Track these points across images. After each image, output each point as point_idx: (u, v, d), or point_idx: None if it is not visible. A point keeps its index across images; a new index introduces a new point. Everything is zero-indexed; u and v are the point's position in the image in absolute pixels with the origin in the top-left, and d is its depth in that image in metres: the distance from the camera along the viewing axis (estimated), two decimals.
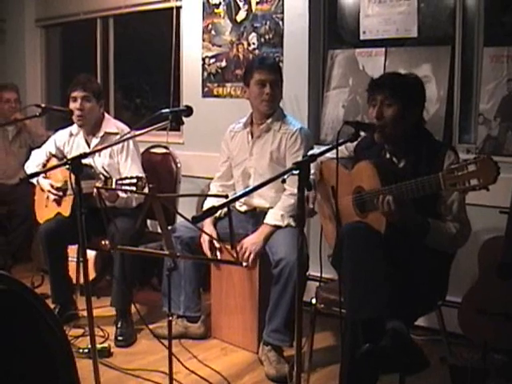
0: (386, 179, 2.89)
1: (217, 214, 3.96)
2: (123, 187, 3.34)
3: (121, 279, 4.05)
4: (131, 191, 3.24)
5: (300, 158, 3.73)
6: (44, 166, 4.46)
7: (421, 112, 3.13)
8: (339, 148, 2.91)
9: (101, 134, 4.31)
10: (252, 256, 3.77)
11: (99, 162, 4.20)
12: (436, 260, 2.95)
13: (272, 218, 3.84)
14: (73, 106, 4.25)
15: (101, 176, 3.82)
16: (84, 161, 3.83)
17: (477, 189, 2.46)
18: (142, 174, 3.93)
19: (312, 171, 3.49)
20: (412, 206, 2.81)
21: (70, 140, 4.47)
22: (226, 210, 3.74)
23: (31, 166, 4.51)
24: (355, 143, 3.27)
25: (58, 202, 4.24)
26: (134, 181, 3.27)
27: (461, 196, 2.92)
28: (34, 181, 4.32)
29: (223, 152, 4.20)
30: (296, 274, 2.96)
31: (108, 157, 4.26)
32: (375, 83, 3.14)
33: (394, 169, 3.09)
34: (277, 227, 3.82)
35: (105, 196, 3.77)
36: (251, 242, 3.80)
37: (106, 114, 4.47)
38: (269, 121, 3.94)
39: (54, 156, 4.44)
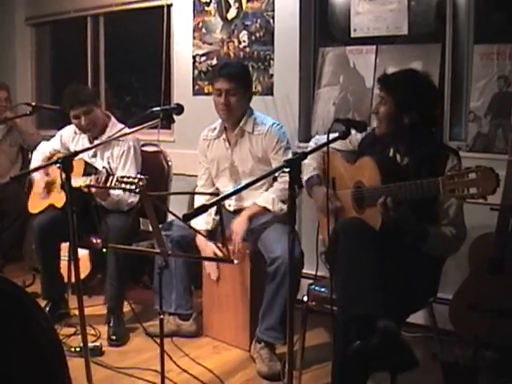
0: (387, 177, 2.91)
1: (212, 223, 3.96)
2: (121, 185, 3.31)
3: (115, 277, 4.05)
4: (120, 188, 3.20)
5: (282, 151, 3.83)
6: (49, 159, 4.45)
7: (428, 112, 3.08)
8: (342, 141, 2.94)
9: (104, 136, 4.27)
10: (239, 235, 3.76)
11: (99, 165, 4.19)
12: (428, 258, 2.96)
13: (262, 200, 3.84)
14: (77, 122, 4.24)
15: (103, 171, 3.80)
16: (88, 160, 3.87)
17: (475, 197, 2.48)
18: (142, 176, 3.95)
19: (314, 164, 3.49)
20: (408, 209, 2.82)
21: (75, 137, 4.46)
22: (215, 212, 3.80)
23: (36, 158, 4.53)
24: (360, 137, 3.29)
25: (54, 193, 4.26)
26: (135, 180, 3.24)
27: (459, 201, 2.93)
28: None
29: (202, 162, 4.18)
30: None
31: (106, 163, 4.25)
32: (381, 79, 3.15)
33: (395, 167, 3.11)
34: (266, 210, 3.81)
35: (96, 192, 3.77)
36: (236, 223, 3.81)
37: (112, 118, 4.43)
38: (241, 123, 3.93)
39: (58, 153, 4.44)
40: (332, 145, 2.78)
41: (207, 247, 3.86)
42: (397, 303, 2.75)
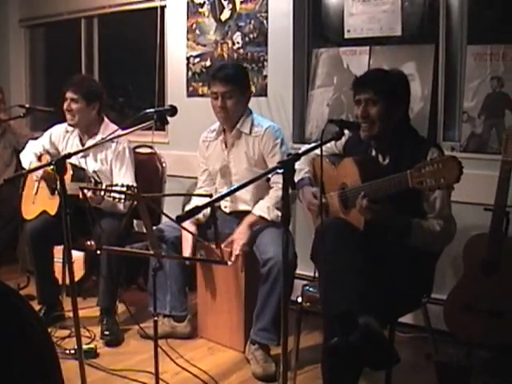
0: (368, 176, 2.90)
1: (201, 217, 3.94)
2: (111, 194, 3.30)
3: (108, 278, 4.04)
4: (115, 198, 3.19)
5: (279, 155, 3.80)
6: (39, 157, 4.45)
7: (406, 108, 3.14)
8: (329, 145, 2.91)
9: (98, 138, 4.25)
10: (240, 246, 3.74)
11: (91, 166, 4.18)
12: (420, 257, 2.95)
13: (258, 209, 3.84)
14: (64, 105, 4.25)
15: (91, 179, 3.80)
16: (77, 162, 3.85)
17: (441, 188, 2.47)
18: (133, 184, 3.91)
19: (306, 169, 3.51)
20: (389, 205, 2.81)
21: (65, 136, 4.44)
22: (210, 214, 3.79)
23: (27, 155, 4.50)
24: (344, 140, 3.27)
25: (45, 199, 4.24)
26: (124, 189, 3.22)
27: (444, 193, 2.92)
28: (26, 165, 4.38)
29: (201, 162, 4.19)
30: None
31: (99, 163, 4.24)
32: (359, 82, 3.14)
33: (376, 166, 3.10)
34: (262, 218, 3.81)
35: (90, 198, 3.76)
36: (238, 232, 3.80)
37: (105, 119, 4.41)
38: (238, 125, 3.92)
39: (47, 153, 4.42)
40: (318, 149, 2.77)
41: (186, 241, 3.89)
42: (385, 302, 2.75)
